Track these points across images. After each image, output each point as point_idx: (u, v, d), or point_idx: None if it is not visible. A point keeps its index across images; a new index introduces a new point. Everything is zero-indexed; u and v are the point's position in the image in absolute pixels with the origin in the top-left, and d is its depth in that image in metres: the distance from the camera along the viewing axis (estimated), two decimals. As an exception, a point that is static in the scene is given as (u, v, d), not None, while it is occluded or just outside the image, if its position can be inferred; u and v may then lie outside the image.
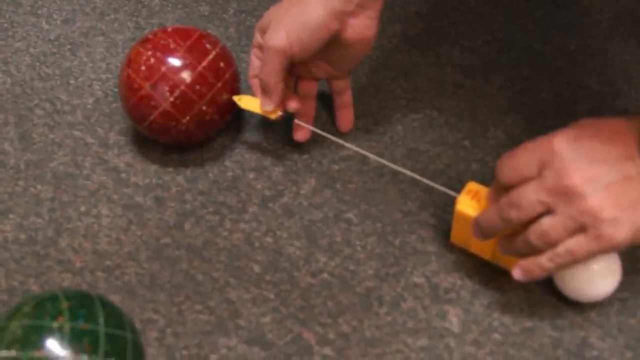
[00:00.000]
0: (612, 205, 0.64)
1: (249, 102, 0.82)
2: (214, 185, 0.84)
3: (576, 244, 0.65)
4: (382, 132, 0.88)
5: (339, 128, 0.88)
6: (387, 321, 0.73)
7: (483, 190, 0.73)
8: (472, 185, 0.74)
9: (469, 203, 0.73)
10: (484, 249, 0.75)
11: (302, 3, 0.76)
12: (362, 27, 0.77)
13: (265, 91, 0.79)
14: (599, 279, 0.72)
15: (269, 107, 0.80)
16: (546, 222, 0.65)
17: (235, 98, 0.82)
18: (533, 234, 0.66)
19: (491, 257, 0.76)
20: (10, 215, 0.82)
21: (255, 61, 0.83)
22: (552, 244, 0.66)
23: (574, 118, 0.89)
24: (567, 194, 0.64)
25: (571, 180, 0.64)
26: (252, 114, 0.87)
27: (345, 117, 0.87)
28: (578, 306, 0.74)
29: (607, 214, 0.63)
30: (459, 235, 0.77)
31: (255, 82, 0.83)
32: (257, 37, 0.82)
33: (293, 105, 0.81)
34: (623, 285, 0.75)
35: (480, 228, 0.70)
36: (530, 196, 0.65)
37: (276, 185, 0.84)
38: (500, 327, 0.73)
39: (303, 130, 0.85)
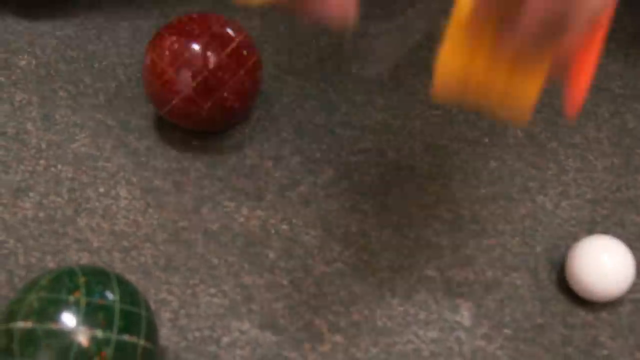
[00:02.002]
0: None
1: None
2: (233, 172, 0.85)
3: None
4: (401, 126, 0.89)
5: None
6: (399, 312, 0.74)
7: None
8: None
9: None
10: (491, 74, 0.53)
11: None
12: None
13: None
14: (612, 278, 0.72)
15: None
16: None
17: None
18: None
19: (503, 90, 0.53)
20: (30, 194, 0.83)
21: None
22: None
23: (594, 120, 0.89)
24: None
25: None
26: (268, 105, 0.88)
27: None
28: (590, 305, 0.74)
29: None
30: (450, 66, 0.53)
31: None
32: None
33: None
34: (636, 287, 0.76)
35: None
36: None
37: (294, 175, 0.85)
38: (512, 322, 0.73)
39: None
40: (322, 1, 0.54)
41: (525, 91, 0.52)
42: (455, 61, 0.53)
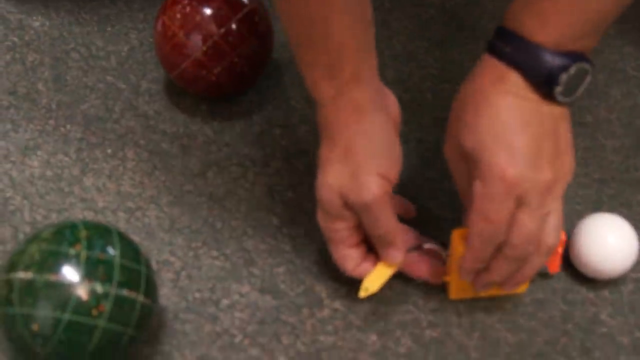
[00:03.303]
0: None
1: (374, 280, 0.70)
2: (240, 138, 0.85)
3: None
4: (412, 99, 0.89)
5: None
6: (400, 282, 0.74)
7: None
8: (459, 232, 0.69)
9: None
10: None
11: (360, 134, 0.65)
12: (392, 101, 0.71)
13: (390, 242, 0.68)
14: (615, 257, 0.72)
15: (400, 256, 0.69)
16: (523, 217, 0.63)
17: (362, 294, 0.69)
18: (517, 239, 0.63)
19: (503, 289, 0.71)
20: (39, 152, 0.84)
21: (346, 245, 0.69)
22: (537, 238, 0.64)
23: (606, 101, 0.89)
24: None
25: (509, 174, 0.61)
26: (278, 73, 0.88)
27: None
28: (591, 283, 0.74)
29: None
30: (462, 287, 0.72)
31: (360, 271, 0.70)
32: (333, 226, 0.68)
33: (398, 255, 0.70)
34: (638, 266, 0.75)
35: (470, 266, 0.67)
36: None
37: (301, 143, 0.85)
38: (512, 296, 0.73)
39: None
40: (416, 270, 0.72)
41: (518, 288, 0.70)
42: (461, 286, 0.71)
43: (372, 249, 0.70)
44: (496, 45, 0.63)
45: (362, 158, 0.65)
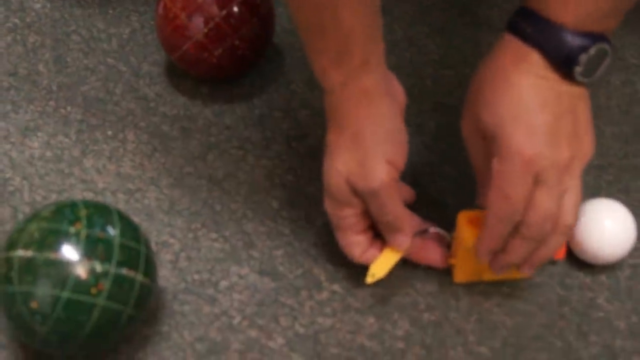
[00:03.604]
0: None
1: (381, 266, 0.70)
2: (241, 121, 0.85)
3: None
4: (413, 85, 0.89)
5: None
6: (399, 265, 0.74)
7: (480, 213, 0.69)
8: (464, 215, 0.70)
9: (476, 233, 0.68)
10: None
11: (369, 120, 0.66)
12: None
13: (397, 228, 0.68)
14: (613, 242, 0.72)
15: (407, 242, 0.69)
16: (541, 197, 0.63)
17: (369, 279, 0.69)
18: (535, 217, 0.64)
19: (508, 273, 0.72)
20: (39, 133, 0.84)
21: (354, 232, 0.70)
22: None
23: (606, 88, 0.89)
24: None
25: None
26: (280, 57, 0.88)
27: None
28: (589, 268, 0.75)
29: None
30: (466, 270, 0.72)
31: (368, 257, 0.70)
32: (341, 212, 0.68)
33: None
34: (636, 252, 0.76)
35: (487, 247, 0.67)
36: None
37: (302, 127, 0.85)
38: (512, 280, 0.74)
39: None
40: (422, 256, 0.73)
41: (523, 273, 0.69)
42: (466, 270, 0.72)
43: (378, 234, 0.70)
44: (518, 25, 0.63)
45: (370, 144, 0.65)
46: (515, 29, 0.64)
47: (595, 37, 0.62)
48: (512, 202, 0.63)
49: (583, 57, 0.62)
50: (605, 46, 0.63)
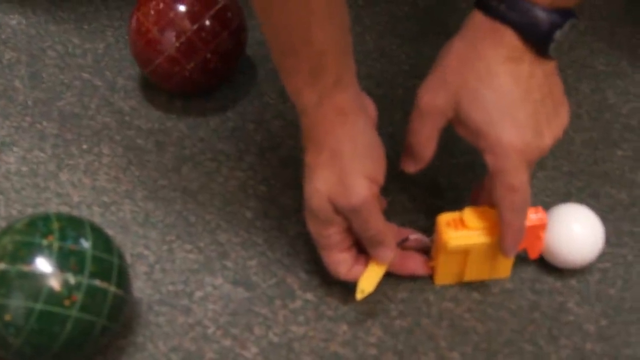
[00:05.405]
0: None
1: (368, 281, 0.70)
2: (214, 133, 0.86)
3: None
4: (384, 94, 0.90)
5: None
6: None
7: (458, 215, 0.71)
8: (444, 218, 0.71)
9: (458, 234, 0.70)
10: (479, 268, 0.73)
11: (346, 138, 0.66)
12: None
13: (380, 242, 0.69)
14: (582, 247, 0.73)
15: (391, 255, 0.70)
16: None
17: (359, 295, 0.70)
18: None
19: (488, 274, 0.74)
20: (15, 148, 0.85)
21: (338, 250, 0.70)
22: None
23: (575, 96, 0.90)
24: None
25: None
26: (252, 69, 0.89)
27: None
28: (559, 273, 0.76)
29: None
30: (447, 272, 0.74)
31: (354, 274, 0.71)
32: (325, 231, 0.69)
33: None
34: (605, 256, 0.77)
35: (511, 242, 0.70)
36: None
37: (275, 138, 0.86)
38: (480, 286, 0.75)
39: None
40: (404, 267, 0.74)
41: (502, 272, 0.75)
42: (447, 272, 0.73)
43: (361, 250, 0.71)
44: (489, 2, 0.66)
45: (348, 161, 0.66)
46: (486, 7, 0.66)
47: (567, 13, 0.65)
48: (519, 191, 0.67)
49: (558, 34, 0.65)
50: (575, 21, 0.66)
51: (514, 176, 0.66)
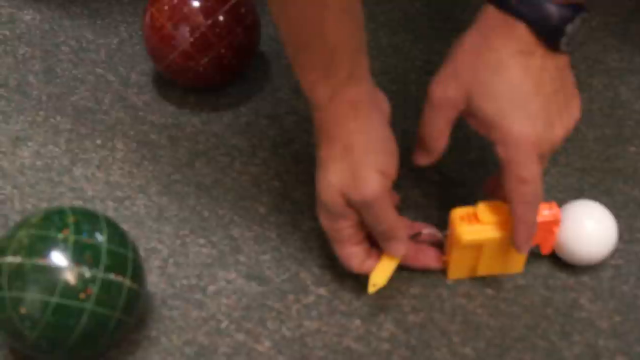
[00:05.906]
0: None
1: (381, 275, 0.70)
2: (228, 128, 0.86)
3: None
4: (396, 91, 0.90)
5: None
6: (384, 268, 0.75)
7: (472, 210, 0.71)
8: (457, 212, 0.71)
9: (472, 229, 0.70)
10: (493, 262, 0.74)
11: (358, 132, 0.67)
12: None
13: (393, 236, 0.69)
14: (595, 243, 0.73)
15: (403, 249, 0.70)
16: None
17: (371, 289, 0.70)
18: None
19: (501, 269, 0.75)
20: (29, 143, 0.85)
21: (351, 243, 0.70)
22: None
23: (588, 92, 0.90)
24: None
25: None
26: (266, 65, 0.89)
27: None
28: (572, 269, 0.76)
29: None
30: (460, 267, 0.74)
31: (366, 267, 0.71)
32: (337, 225, 0.69)
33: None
34: (619, 253, 0.77)
35: (524, 236, 0.70)
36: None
37: (288, 133, 0.86)
38: (493, 282, 0.75)
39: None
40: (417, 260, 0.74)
41: (515, 267, 0.75)
42: (461, 266, 0.74)
43: (373, 243, 0.71)
44: None
45: (360, 155, 0.66)
46: (498, 1, 0.66)
47: (578, 8, 0.65)
48: (531, 183, 0.67)
49: (569, 28, 0.65)
50: (585, 15, 0.66)
51: (524, 168, 0.66)
